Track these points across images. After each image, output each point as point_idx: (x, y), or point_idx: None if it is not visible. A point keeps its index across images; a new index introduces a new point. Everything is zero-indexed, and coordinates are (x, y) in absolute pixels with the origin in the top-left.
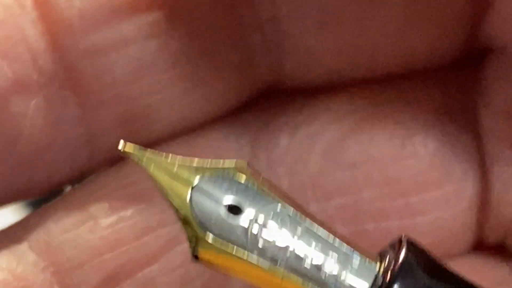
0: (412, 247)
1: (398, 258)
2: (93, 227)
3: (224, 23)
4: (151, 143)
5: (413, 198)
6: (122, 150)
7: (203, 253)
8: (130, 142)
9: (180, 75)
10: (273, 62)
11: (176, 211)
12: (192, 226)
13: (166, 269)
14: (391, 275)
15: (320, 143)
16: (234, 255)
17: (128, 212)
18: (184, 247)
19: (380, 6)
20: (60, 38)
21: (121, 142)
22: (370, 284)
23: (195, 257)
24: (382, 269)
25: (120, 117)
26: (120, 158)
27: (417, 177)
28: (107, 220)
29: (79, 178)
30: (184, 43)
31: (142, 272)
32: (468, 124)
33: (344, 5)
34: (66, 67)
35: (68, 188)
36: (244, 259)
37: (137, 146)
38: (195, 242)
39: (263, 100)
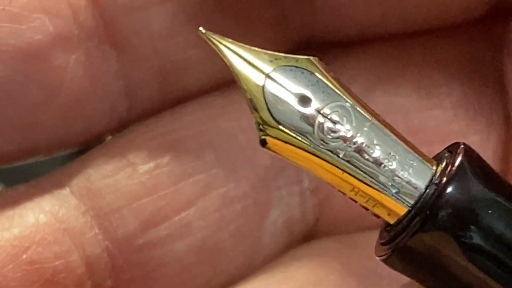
0: (469, 153)
1: (455, 162)
2: (132, 173)
3: None
4: (188, 96)
5: (437, 147)
6: (201, 34)
7: (270, 140)
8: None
9: (215, 31)
10: (306, 18)
11: (249, 96)
12: (263, 112)
13: (202, 214)
14: (447, 177)
15: None
16: (300, 144)
17: (165, 159)
18: (220, 192)
19: None
20: None
21: (201, 28)
22: (427, 183)
23: (263, 142)
24: (439, 171)
25: (157, 71)
26: (158, 109)
27: (442, 127)
28: (144, 167)
29: (119, 128)
30: (219, 1)
31: (179, 216)
32: (493, 77)
33: None
34: (106, 23)
35: (109, 138)
36: (309, 149)
37: (216, 34)
38: (264, 128)
39: (296, 53)
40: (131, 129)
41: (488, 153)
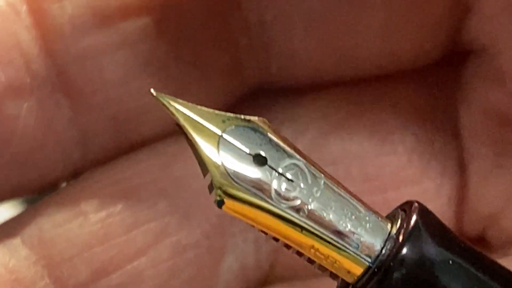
0: (423, 212)
1: (410, 221)
2: (83, 222)
3: (212, 27)
4: (142, 143)
5: (392, 194)
6: (153, 96)
7: (228, 200)
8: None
9: (169, 78)
10: (260, 64)
11: (204, 160)
12: (220, 172)
13: (154, 262)
14: (403, 236)
15: (302, 139)
16: (258, 203)
17: (117, 208)
18: (172, 240)
19: (363, 10)
20: (52, 43)
21: (152, 90)
22: (383, 243)
23: (220, 203)
24: (394, 230)
25: (111, 119)
26: (113, 156)
27: (396, 173)
28: (96, 216)
29: (74, 175)
30: (173, 46)
31: (130, 264)
32: (447, 122)
33: (328, 10)
34: (58, 71)
35: (64, 184)
36: (267, 207)
37: (168, 96)
38: (222, 188)
39: (249, 98)
40: (85, 177)
41: (443, 199)
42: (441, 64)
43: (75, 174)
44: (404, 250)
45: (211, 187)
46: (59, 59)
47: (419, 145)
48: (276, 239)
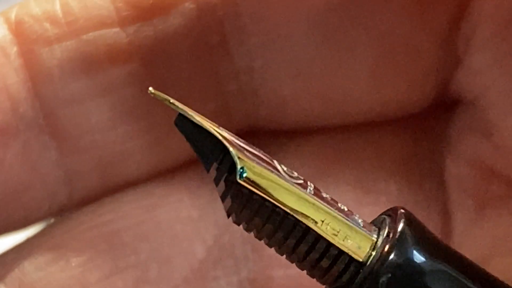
0: (409, 219)
1: (396, 229)
2: (64, 265)
3: (200, 72)
4: (128, 184)
5: None
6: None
7: (249, 173)
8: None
9: (156, 123)
10: (248, 109)
11: (219, 138)
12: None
13: None
14: (389, 245)
15: None
16: (273, 179)
17: (99, 252)
18: (151, 286)
19: (351, 58)
20: (40, 86)
21: (150, 88)
22: (369, 250)
23: (242, 174)
24: (380, 238)
25: (97, 161)
26: (99, 195)
27: None
28: (78, 259)
29: (60, 213)
30: (160, 92)
31: None
32: (433, 172)
33: (316, 58)
34: (46, 114)
35: (52, 220)
36: (281, 184)
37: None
38: (243, 161)
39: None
40: (70, 217)
41: None
42: (428, 113)
43: (62, 212)
44: (391, 257)
45: (218, 177)
46: (47, 102)
47: (403, 195)
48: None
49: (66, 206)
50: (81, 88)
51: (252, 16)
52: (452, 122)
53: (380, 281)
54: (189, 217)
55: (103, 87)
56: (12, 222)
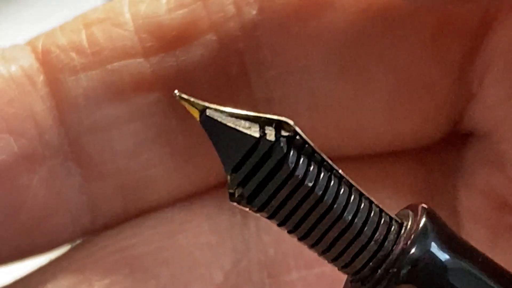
0: (431, 215)
1: (419, 223)
2: None
3: (220, 102)
4: (149, 209)
5: None
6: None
7: None
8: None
9: (177, 150)
10: None
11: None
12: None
13: None
14: (412, 238)
15: None
16: None
17: (121, 276)
18: None
19: (367, 91)
20: (66, 114)
21: (176, 91)
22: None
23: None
24: (402, 231)
25: (119, 187)
26: (122, 220)
27: None
28: (100, 283)
29: (83, 237)
30: (182, 121)
31: None
32: (446, 202)
33: (333, 90)
34: (70, 141)
35: (77, 242)
36: None
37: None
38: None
39: None
40: (92, 241)
41: None
42: (442, 145)
43: (85, 236)
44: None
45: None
46: (72, 130)
47: None
48: None
49: (89, 230)
50: (105, 116)
51: (272, 48)
52: (465, 154)
53: (401, 273)
54: (208, 243)
55: (127, 116)
56: (36, 246)
